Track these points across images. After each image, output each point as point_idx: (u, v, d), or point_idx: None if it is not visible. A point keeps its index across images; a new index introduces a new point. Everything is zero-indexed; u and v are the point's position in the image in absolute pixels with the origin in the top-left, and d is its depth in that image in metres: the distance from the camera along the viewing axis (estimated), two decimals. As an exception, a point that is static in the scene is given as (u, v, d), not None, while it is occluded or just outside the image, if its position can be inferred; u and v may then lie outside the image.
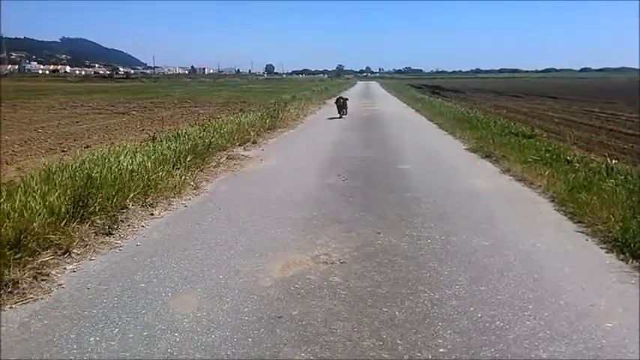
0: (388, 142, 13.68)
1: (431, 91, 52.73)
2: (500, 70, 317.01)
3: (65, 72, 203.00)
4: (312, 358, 3.10)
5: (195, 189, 7.53)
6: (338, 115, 20.56)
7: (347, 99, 21.93)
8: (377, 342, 3.29)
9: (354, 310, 3.73)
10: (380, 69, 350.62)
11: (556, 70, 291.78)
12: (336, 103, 21.47)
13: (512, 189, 7.86)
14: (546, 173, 8.00)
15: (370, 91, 58.35)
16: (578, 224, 5.90)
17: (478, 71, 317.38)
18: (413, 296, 3.98)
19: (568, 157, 9.26)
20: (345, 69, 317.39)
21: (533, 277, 4.35)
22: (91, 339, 3.27)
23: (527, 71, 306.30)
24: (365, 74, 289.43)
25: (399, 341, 3.30)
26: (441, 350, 3.20)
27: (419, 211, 6.45)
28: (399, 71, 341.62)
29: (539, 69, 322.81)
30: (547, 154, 9.67)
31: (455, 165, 10.19)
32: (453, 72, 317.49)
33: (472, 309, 3.76)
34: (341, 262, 4.70)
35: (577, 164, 8.62)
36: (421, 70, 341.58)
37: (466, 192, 7.55)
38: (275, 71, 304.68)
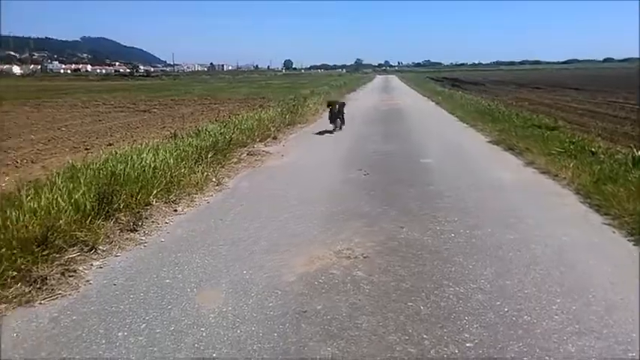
0: (409, 135, 13.62)
1: (451, 83, 52.33)
2: (522, 62, 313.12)
3: (87, 71, 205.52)
4: (337, 352, 3.10)
5: (217, 185, 7.57)
6: (331, 127, 14.15)
7: (344, 103, 15.38)
8: (402, 336, 3.27)
9: (379, 305, 3.72)
10: (399, 62, 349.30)
11: (578, 61, 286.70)
12: (328, 108, 14.98)
13: (536, 181, 7.77)
14: (571, 165, 7.89)
15: (389, 85, 58.09)
16: (604, 216, 5.81)
17: (499, 63, 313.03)
18: (438, 290, 3.96)
19: (593, 149, 9.12)
20: (363, 63, 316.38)
21: (560, 271, 4.30)
22: (119, 334, 3.31)
23: (548, 63, 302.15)
24: (384, 68, 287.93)
25: (424, 336, 3.28)
26: (467, 345, 3.18)
27: (443, 205, 6.40)
28: (418, 64, 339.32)
29: (561, 60, 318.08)
30: (571, 146, 9.53)
31: (477, 158, 10.10)
32: (473, 64, 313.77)
33: (498, 303, 3.73)
34: (364, 257, 4.68)
35: (602, 156, 8.49)
36: (440, 63, 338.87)
37: (490, 185, 7.48)
38: (293, 66, 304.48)
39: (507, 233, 5.29)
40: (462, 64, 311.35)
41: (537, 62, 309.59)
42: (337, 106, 14.48)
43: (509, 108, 18.94)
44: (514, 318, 3.50)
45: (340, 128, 14.14)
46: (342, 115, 14.42)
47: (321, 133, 14.04)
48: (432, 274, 4.29)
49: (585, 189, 6.74)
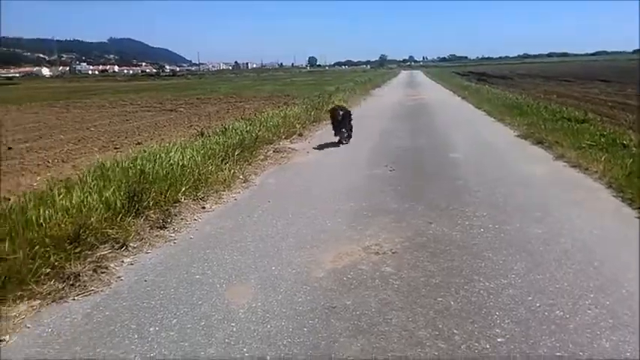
0: (435, 130, 13.51)
1: (477, 78, 51.74)
2: (549, 55, 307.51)
3: (114, 72, 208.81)
4: (367, 347, 3.09)
5: (244, 182, 7.62)
6: (335, 139, 11.40)
7: (349, 112, 11.96)
8: (433, 332, 3.26)
9: (408, 300, 3.70)
10: (424, 57, 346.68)
11: (607, 53, 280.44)
12: (330, 115, 11.81)
13: (566, 175, 7.63)
14: (602, 158, 7.74)
15: (414, 80, 57.63)
16: (637, 210, 5.68)
17: (526, 56, 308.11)
18: (468, 286, 3.92)
19: (624, 142, 8.92)
20: (388, 59, 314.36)
21: (593, 266, 4.22)
22: (151, 329, 3.36)
23: (576, 55, 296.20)
24: (408, 63, 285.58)
25: (455, 331, 3.26)
26: (499, 340, 3.15)
27: (471, 200, 6.33)
28: (443, 59, 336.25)
29: (590, 52, 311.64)
30: (602, 139, 9.36)
31: (506, 152, 9.96)
32: (500, 58, 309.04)
33: (530, 298, 3.68)
34: (392, 253, 4.67)
35: (634, 148, 8.30)
36: (466, 57, 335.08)
37: (519, 180, 7.38)
38: (317, 63, 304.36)
39: (537, 227, 5.21)
40: (488, 58, 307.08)
41: (565, 54, 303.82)
42: (341, 113, 11.31)
43: (538, 101, 18.62)
44: (546, 313, 3.45)
45: (347, 141, 11.34)
46: (349, 126, 11.50)
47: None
48: (461, 269, 4.25)
49: (617, 182, 6.61)
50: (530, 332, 3.22)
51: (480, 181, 7.28)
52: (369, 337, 3.20)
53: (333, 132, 11.39)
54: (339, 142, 11.21)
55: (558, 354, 2.99)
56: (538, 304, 3.58)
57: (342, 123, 11.28)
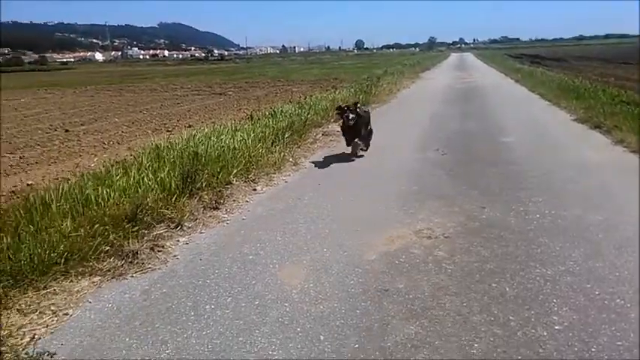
0: (487, 114, 13.19)
1: (530, 60, 50.19)
2: (607, 36, 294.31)
3: (164, 56, 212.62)
4: (421, 331, 3.07)
5: (294, 165, 7.66)
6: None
7: (367, 111, 8.96)
8: (488, 317, 3.21)
9: (462, 285, 3.65)
10: (474, 39, 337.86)
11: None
12: (338, 113, 8.44)
13: (626, 161, 7.34)
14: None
15: (465, 63, 56.41)
16: None
17: (581, 38, 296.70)
18: (523, 272, 3.84)
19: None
20: (437, 41, 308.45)
21: (656, 254, 4.06)
22: (207, 307, 3.43)
23: (636, 36, 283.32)
24: (458, 45, 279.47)
25: (511, 317, 3.20)
26: (556, 327, 3.07)
27: (525, 185, 6.17)
28: (494, 41, 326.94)
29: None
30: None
31: (562, 136, 9.65)
32: (554, 40, 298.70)
33: (588, 286, 3.57)
34: (445, 237, 4.61)
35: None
36: (518, 39, 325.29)
37: (576, 165, 7.14)
38: (365, 47, 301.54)
39: (596, 214, 5.03)
40: (542, 40, 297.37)
41: (624, 36, 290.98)
42: (351, 116, 7.93)
43: (594, 84, 17.94)
44: (606, 302, 3.35)
45: (361, 153, 8.24)
46: (366, 131, 8.38)
47: (396, 111, 13.92)
48: (516, 255, 4.16)
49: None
50: (589, 320, 3.13)
51: (535, 167, 7.09)
52: (422, 321, 3.18)
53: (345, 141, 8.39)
54: (353, 156, 8.11)
55: (619, 343, 2.89)
56: (597, 292, 3.47)
57: (354, 130, 8.05)
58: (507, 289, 3.58)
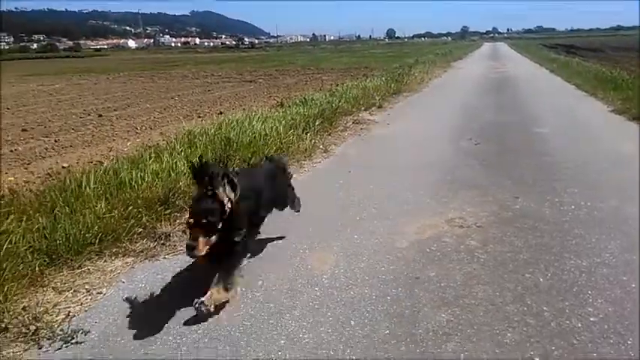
0: (521, 104, 12.95)
1: (566, 50, 49.07)
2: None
3: (195, 44, 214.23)
4: (452, 319, 3.05)
5: (324, 152, 7.65)
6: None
7: (284, 169, 4.38)
8: (521, 307, 3.16)
9: (495, 275, 3.61)
10: (508, 29, 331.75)
11: None
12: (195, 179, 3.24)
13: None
14: None
15: (498, 53, 55.46)
16: None
17: (619, 28, 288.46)
18: (558, 263, 3.77)
19: None
20: (469, 30, 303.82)
21: (698, 248, 3.94)
22: (238, 288, 3.44)
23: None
24: (492, 35, 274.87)
25: (544, 308, 3.15)
26: (591, 319, 3.01)
27: (560, 176, 6.06)
28: (529, 30, 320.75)
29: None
30: None
31: (598, 128, 9.44)
32: (590, 30, 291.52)
33: (625, 278, 3.49)
34: (477, 226, 4.55)
35: None
36: (554, 29, 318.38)
37: (613, 157, 6.98)
38: (396, 36, 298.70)
39: (634, 207, 4.91)
40: (578, 30, 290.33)
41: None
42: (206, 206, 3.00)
43: (632, 75, 17.47)
44: (643, 295, 3.27)
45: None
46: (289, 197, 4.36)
47: (428, 100, 13.82)
48: (550, 246, 4.09)
49: None
50: (625, 313, 3.06)
51: (570, 158, 6.95)
52: (453, 309, 3.15)
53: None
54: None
55: (656, 336, 2.83)
56: (634, 285, 3.39)
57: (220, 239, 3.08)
58: (541, 279, 3.52)
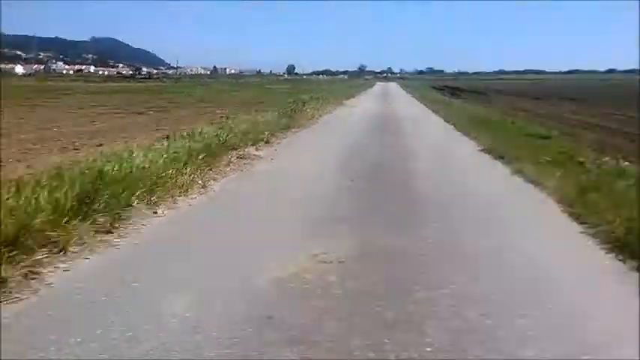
0: (402, 141, 13.63)
1: (450, 92, 52.42)
2: (525, 72, 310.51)
3: (89, 72, 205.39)
4: (296, 357, 3.06)
5: (202, 187, 7.51)
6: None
7: None
8: (364, 341, 3.24)
9: (347, 310, 3.68)
10: (401, 70, 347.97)
11: (581, 72, 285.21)
12: None
13: (522, 189, 7.85)
14: (557, 175, 7.85)
15: (388, 92, 58.08)
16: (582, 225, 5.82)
17: (502, 72, 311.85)
18: (407, 295, 3.93)
19: (581, 159, 9.14)
20: (367, 69, 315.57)
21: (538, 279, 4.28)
22: (71, 340, 3.21)
23: (551, 72, 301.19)
24: (385, 75, 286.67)
25: (386, 340, 3.24)
26: (427, 349, 3.14)
27: (427, 211, 6.49)
28: (420, 72, 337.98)
29: (564, 70, 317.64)
30: (560, 156, 9.54)
31: (467, 165, 10.17)
32: (475, 73, 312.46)
33: (464, 309, 3.70)
34: (339, 262, 4.61)
35: (589, 165, 8.50)
36: (442, 71, 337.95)
37: (475, 193, 7.54)
38: (295, 71, 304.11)
39: (488, 240, 5.33)
40: (464, 73, 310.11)
41: (541, 72, 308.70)
42: None
43: (506, 117, 18.97)
44: (479, 324, 3.47)
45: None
46: None
47: (314, 136, 14.14)
48: (404, 279, 4.26)
49: (568, 198, 6.72)
50: (461, 343, 3.25)
51: (438, 194, 7.49)
52: (299, 347, 3.14)
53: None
54: None
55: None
56: (472, 314, 3.62)
57: None
58: (389, 312, 3.63)
